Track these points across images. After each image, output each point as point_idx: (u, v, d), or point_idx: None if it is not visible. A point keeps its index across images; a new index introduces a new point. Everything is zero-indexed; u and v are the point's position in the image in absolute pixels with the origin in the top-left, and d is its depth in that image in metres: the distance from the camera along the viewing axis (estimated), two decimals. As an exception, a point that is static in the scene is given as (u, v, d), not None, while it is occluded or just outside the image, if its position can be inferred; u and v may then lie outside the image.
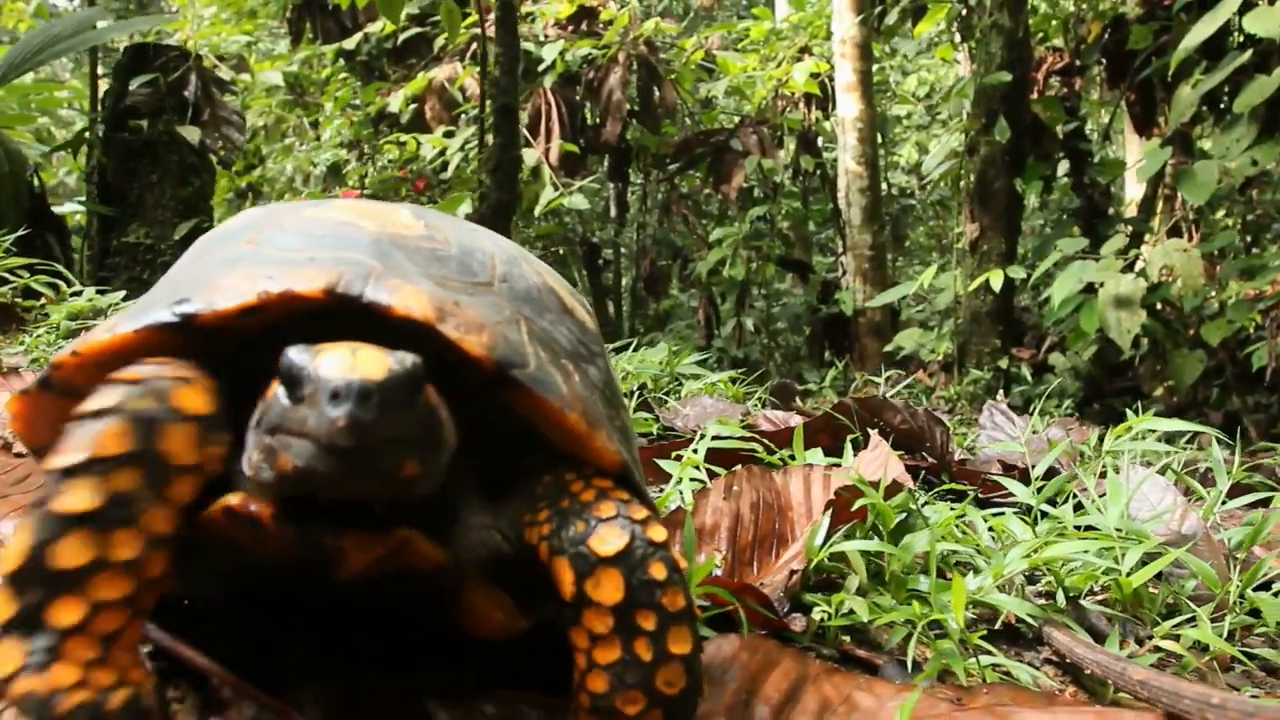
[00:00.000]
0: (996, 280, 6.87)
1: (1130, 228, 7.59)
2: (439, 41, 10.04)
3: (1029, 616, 1.44)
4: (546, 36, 9.83)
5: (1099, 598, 1.71)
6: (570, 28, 10.01)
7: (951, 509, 1.80)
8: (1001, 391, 7.19)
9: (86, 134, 4.19)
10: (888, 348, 8.02)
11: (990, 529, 1.70)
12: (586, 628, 0.91)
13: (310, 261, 1.02)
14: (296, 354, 0.85)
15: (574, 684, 0.94)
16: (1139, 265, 6.75)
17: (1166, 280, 6.62)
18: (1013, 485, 1.94)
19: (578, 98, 9.83)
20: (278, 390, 0.85)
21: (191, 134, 4.11)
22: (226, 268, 1.05)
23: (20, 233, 3.26)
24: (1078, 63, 7.99)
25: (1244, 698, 0.90)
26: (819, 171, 10.41)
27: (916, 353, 8.00)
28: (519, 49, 6.06)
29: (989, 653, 1.36)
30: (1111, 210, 8.22)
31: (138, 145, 4.05)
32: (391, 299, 0.98)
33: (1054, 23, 8.34)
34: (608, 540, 0.92)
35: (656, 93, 9.88)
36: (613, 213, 12.37)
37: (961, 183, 7.35)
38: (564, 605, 0.93)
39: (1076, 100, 8.09)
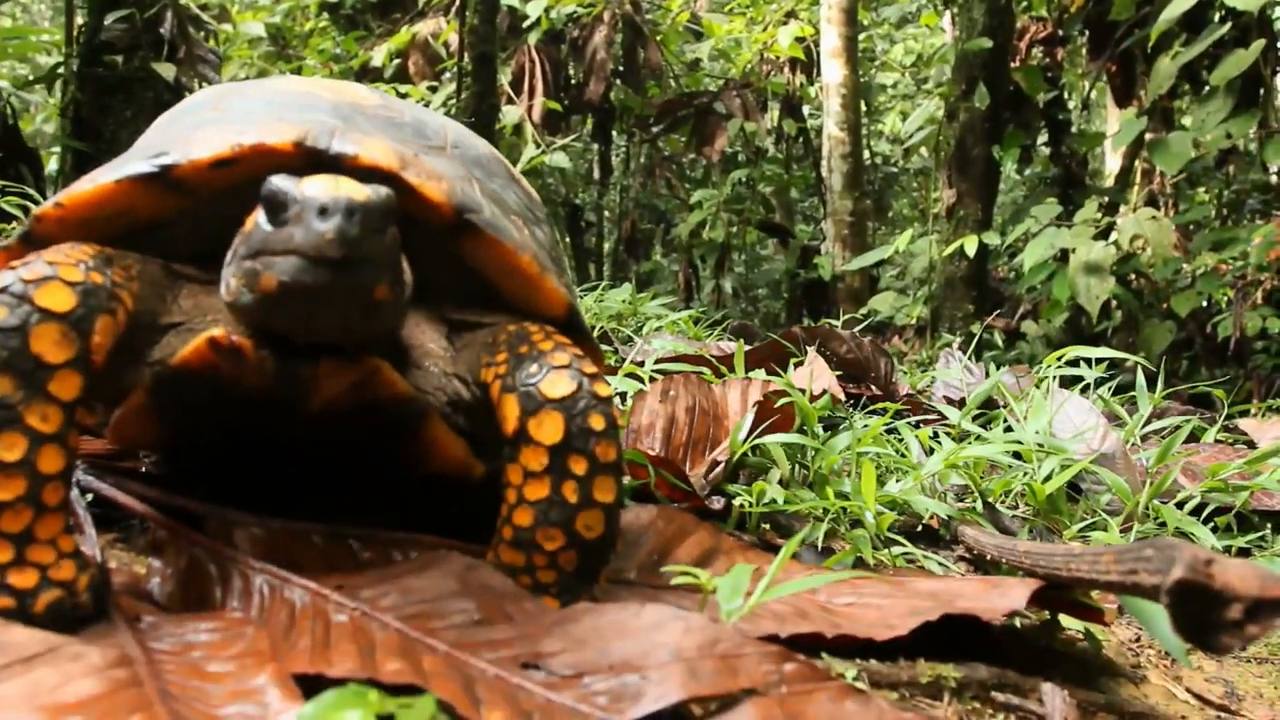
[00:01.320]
0: (971, 246, 6.94)
1: (1106, 198, 7.68)
2: (427, -6, 9.99)
3: (943, 515, 1.51)
4: (533, -8, 9.78)
5: (1020, 511, 1.79)
6: (557, -15, 9.97)
7: (885, 425, 1.87)
8: (975, 356, 7.29)
9: (60, 70, 4.20)
10: (861, 310, 8.08)
11: (918, 441, 1.77)
12: (522, 464, 0.99)
13: (278, 120, 1.10)
14: (280, 181, 0.92)
15: (500, 519, 1.01)
16: (1113, 234, 6.83)
17: (1139, 250, 6.71)
18: (947, 409, 2.02)
19: (562, 56, 9.80)
20: (258, 218, 0.92)
21: (167, 71, 4.12)
22: (198, 128, 1.12)
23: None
24: (1060, 33, 8.02)
25: (1098, 547, 0.97)
26: (802, 137, 10.43)
27: (893, 318, 8.08)
28: (498, -3, 6.07)
29: (902, 544, 1.44)
30: (1089, 181, 8.29)
31: (113, 81, 4.06)
32: (358, 149, 1.06)
33: (1038, -9, 8.36)
34: (557, 384, 0.98)
35: (641, 53, 9.86)
36: (596, 174, 12.38)
37: (940, 149, 7.40)
38: (505, 442, 1.00)
39: (1058, 70, 8.12)
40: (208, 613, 0.91)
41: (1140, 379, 2.13)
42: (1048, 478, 1.62)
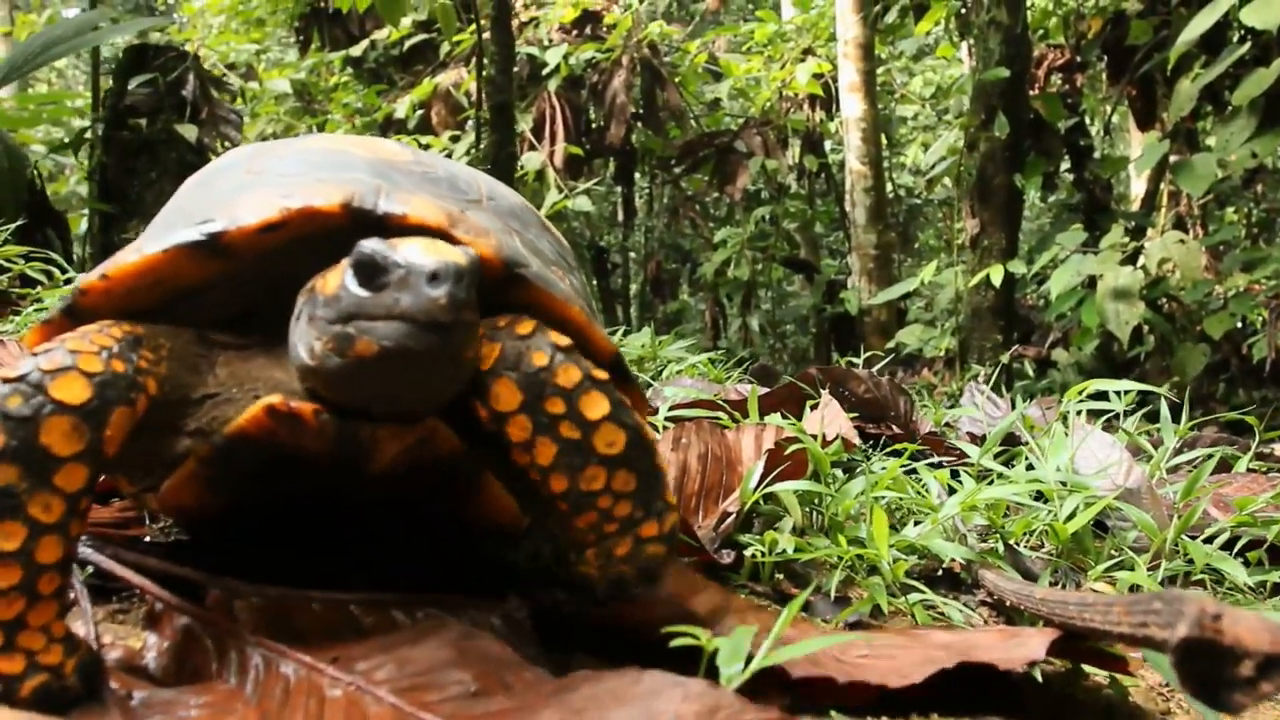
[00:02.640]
0: (997, 275, 6.88)
1: (1132, 222, 7.61)
2: (445, 47, 10.13)
3: (963, 560, 1.48)
4: (551, 41, 9.90)
5: (1044, 551, 1.75)
6: (574, 32, 10.09)
7: (904, 466, 1.84)
8: (1004, 387, 7.21)
9: (87, 133, 4.29)
10: (889, 344, 8.03)
11: (937, 482, 1.74)
12: (514, 442, 0.99)
13: (319, 181, 1.09)
14: (376, 245, 0.92)
15: (546, 505, 1.02)
16: (1141, 259, 6.76)
17: (1168, 273, 6.63)
18: (968, 447, 1.98)
19: (582, 101, 9.89)
20: (346, 282, 0.92)
21: (189, 132, 4.20)
22: (239, 192, 1.11)
23: (19, 225, 3.34)
24: (1078, 59, 8.00)
25: (1111, 597, 0.94)
26: (824, 172, 10.44)
27: (921, 351, 8.02)
28: (514, 48, 6.14)
29: (921, 591, 1.41)
30: (1114, 206, 8.23)
31: (137, 144, 4.15)
32: (405, 209, 1.05)
33: (1054, 19, 8.36)
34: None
35: (660, 95, 9.94)
36: (620, 216, 12.45)
37: (961, 180, 7.37)
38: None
39: (1078, 96, 8.10)
40: (201, 687, 0.90)
41: (1164, 409, 2.09)
42: (1071, 516, 1.58)
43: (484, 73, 5.43)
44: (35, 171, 3.63)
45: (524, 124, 9.66)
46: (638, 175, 11.26)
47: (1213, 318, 6.79)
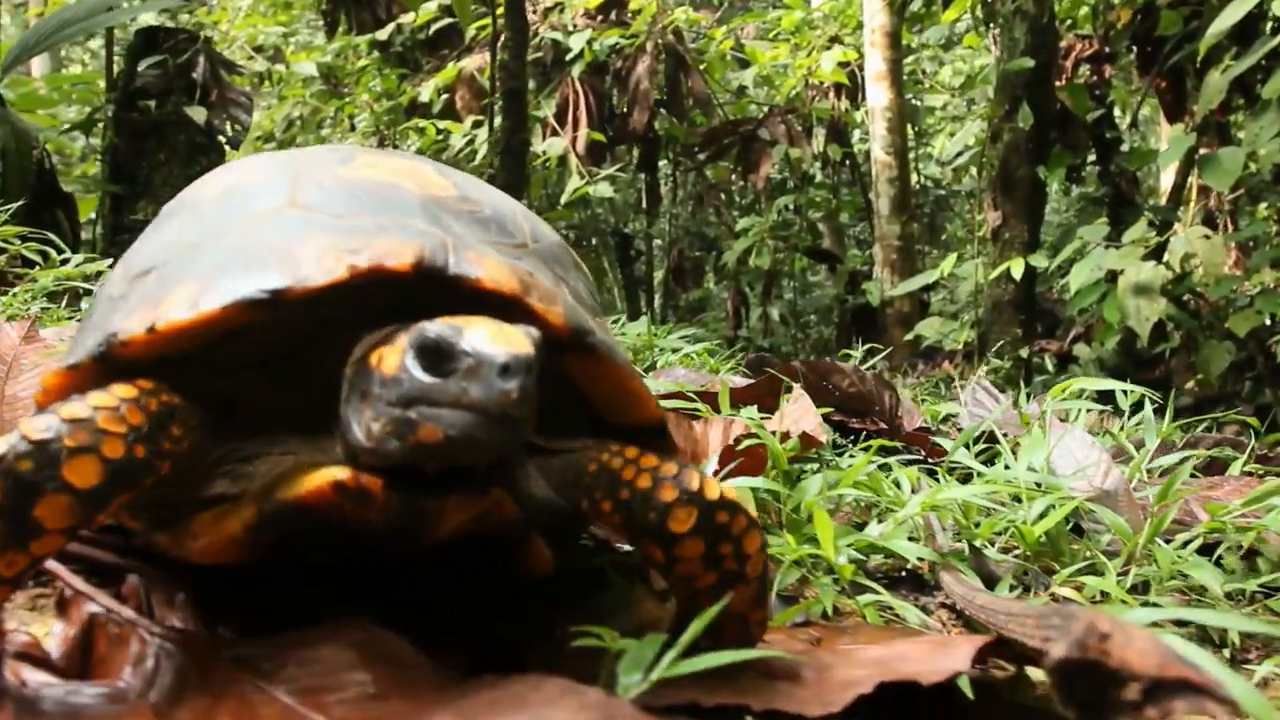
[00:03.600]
0: (1017, 269, 6.80)
1: (1158, 216, 7.48)
2: (470, 31, 10.12)
3: (918, 559, 1.45)
4: (575, 26, 9.87)
5: (1020, 552, 1.72)
6: (599, 17, 10.05)
7: (877, 464, 1.81)
8: (1023, 382, 7.12)
9: (98, 115, 4.32)
10: (907, 337, 7.97)
11: (908, 480, 1.70)
12: (680, 574, 1.03)
13: (380, 230, 1.02)
14: (443, 331, 0.88)
15: (679, 604, 1.06)
16: (1166, 255, 6.65)
17: (1192, 269, 6.52)
18: (950, 444, 1.95)
19: (606, 87, 9.86)
20: (408, 364, 0.88)
21: (198, 114, 4.21)
22: (292, 236, 1.02)
23: (27, 206, 3.36)
24: (1107, 50, 7.87)
25: (1031, 607, 0.90)
26: (848, 162, 10.35)
27: (941, 343, 7.94)
28: (528, 33, 6.12)
29: (875, 592, 1.38)
30: (1144, 200, 8.10)
31: (147, 125, 4.16)
32: (480, 273, 1.00)
33: (1084, 9, 8.22)
34: (684, 521, 1.00)
35: (684, 82, 9.89)
36: (644, 204, 12.42)
37: (984, 171, 7.28)
38: (657, 564, 1.05)
39: (1106, 88, 7.97)
40: (97, 679, 0.89)
41: (1148, 409, 2.04)
42: (1043, 516, 1.55)
43: (499, 58, 5.42)
44: (45, 152, 3.66)
45: (547, 110, 9.65)
46: (662, 163, 11.22)
47: (1238, 315, 6.67)
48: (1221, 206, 8.23)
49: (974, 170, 8.03)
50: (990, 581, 1.46)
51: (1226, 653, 1.49)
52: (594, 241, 12.31)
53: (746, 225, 9.91)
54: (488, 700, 0.86)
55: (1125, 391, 2.67)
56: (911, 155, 11.76)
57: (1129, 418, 2.75)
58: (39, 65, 12.34)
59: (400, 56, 11.21)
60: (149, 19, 4.79)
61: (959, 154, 7.89)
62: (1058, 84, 7.46)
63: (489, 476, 0.99)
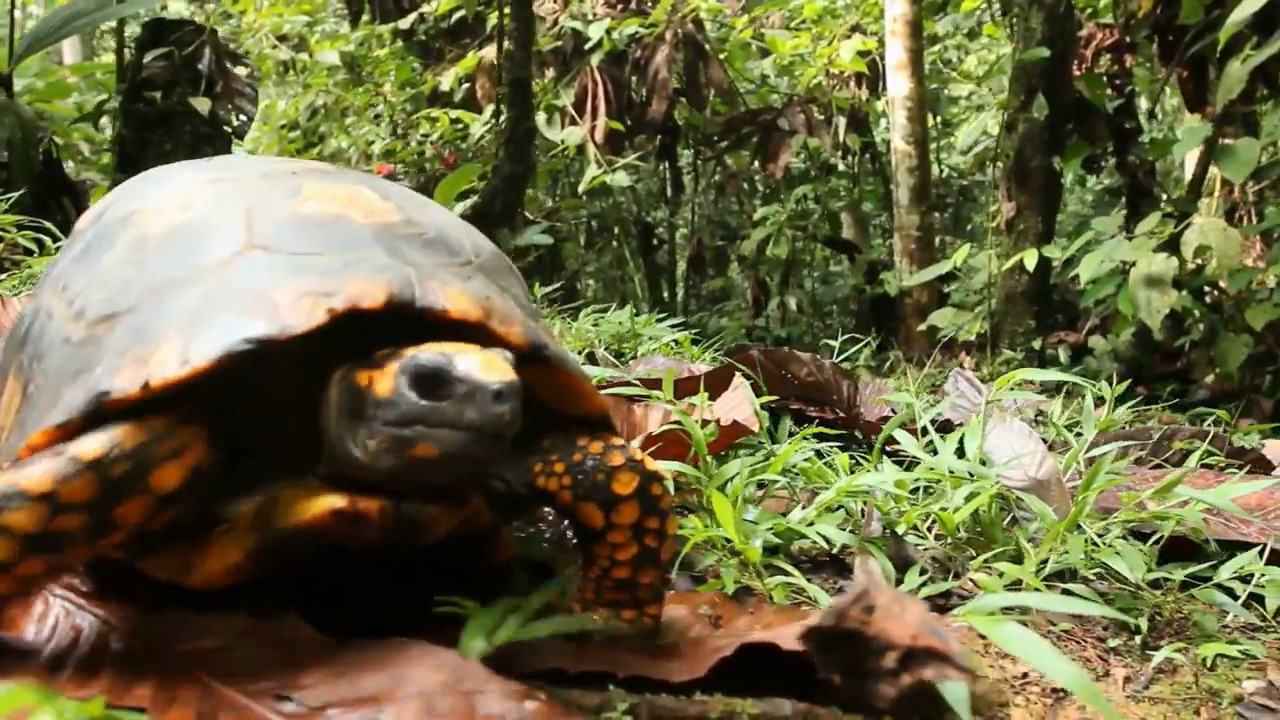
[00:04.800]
0: (1030, 259, 6.77)
1: (1177, 208, 7.40)
2: (492, 20, 10.18)
3: (854, 545, 1.49)
4: (595, 15, 9.90)
5: (957, 539, 1.75)
6: (619, 6, 10.07)
7: (822, 454, 1.85)
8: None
9: (106, 106, 4.42)
10: (920, 327, 7.96)
11: (841, 467, 1.74)
12: (610, 541, 1.15)
13: (347, 268, 1.08)
14: (435, 359, 0.98)
15: (596, 571, 1.17)
16: (1181, 246, 6.59)
17: (1206, 261, 6.46)
18: (900, 433, 1.98)
19: (625, 76, 9.88)
20: (402, 388, 0.98)
21: (202, 105, 4.31)
22: (263, 280, 1.06)
23: (34, 195, 3.46)
24: (1128, 39, 7.79)
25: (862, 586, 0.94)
26: (868, 151, 10.32)
27: (956, 335, 7.92)
28: (533, 24, 6.17)
29: (786, 574, 1.42)
30: (1168, 191, 8.02)
31: (153, 116, 4.26)
32: (446, 304, 1.09)
33: (1104, -2, 8.15)
34: (628, 484, 1.13)
35: (703, 71, 9.89)
36: (668, 193, 12.43)
37: (999, 161, 7.25)
38: (584, 530, 1.16)
39: (1127, 78, 7.89)
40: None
41: (1088, 400, 2.06)
42: (977, 501, 1.58)
43: (504, 48, 5.47)
44: (52, 142, 3.77)
45: (566, 99, 9.69)
46: (683, 151, 11.23)
47: (1255, 308, 6.61)
48: (1245, 198, 8.13)
49: (988, 161, 7.98)
50: (906, 566, 1.50)
51: (1138, 639, 1.52)
52: (615, 230, 12.35)
53: (765, 214, 9.90)
54: (353, 659, 0.92)
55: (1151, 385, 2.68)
56: (934, 145, 11.70)
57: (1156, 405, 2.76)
58: (70, 54, 12.54)
59: (423, 45, 11.29)
60: (157, 11, 4.89)
61: (974, 144, 7.83)
62: (1076, 73, 7.40)
63: (465, 483, 1.10)
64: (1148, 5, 7.65)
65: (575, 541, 1.28)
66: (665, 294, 12.87)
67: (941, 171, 12.45)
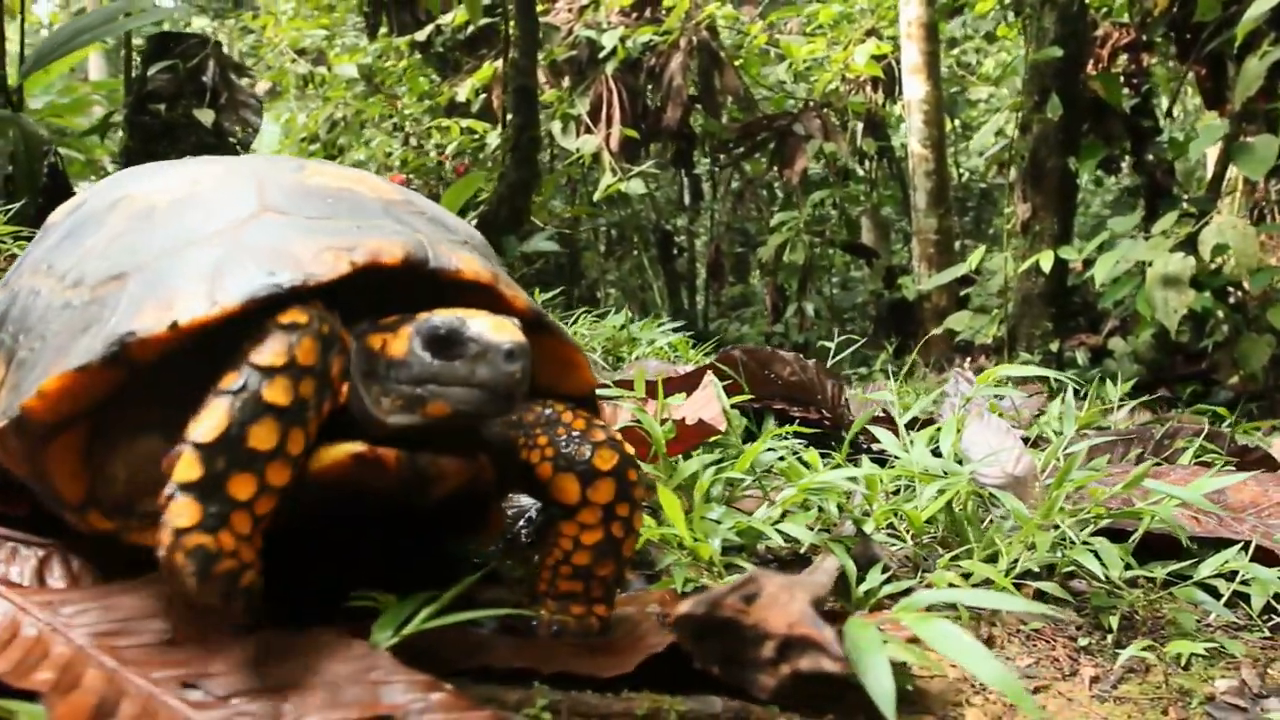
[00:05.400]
0: (1046, 261, 6.69)
1: (1195, 207, 7.30)
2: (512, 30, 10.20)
3: (792, 541, 1.47)
4: (609, 24, 9.91)
5: (932, 535, 1.72)
6: (634, 14, 10.08)
7: (796, 454, 1.83)
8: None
9: (113, 118, 4.47)
10: (935, 330, 7.89)
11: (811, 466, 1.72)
12: (579, 521, 1.15)
13: (361, 230, 1.12)
14: (448, 320, 1.02)
15: (553, 560, 1.16)
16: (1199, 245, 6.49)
17: (1226, 261, 6.36)
18: (880, 432, 1.96)
19: (640, 84, 9.89)
20: (416, 349, 1.02)
21: (206, 116, 4.35)
22: (283, 236, 1.09)
23: (37, 206, 3.49)
24: (1144, 37, 7.71)
25: (745, 575, 0.91)
26: (885, 156, 10.27)
27: (972, 338, 7.84)
28: (538, 31, 6.18)
29: (742, 571, 1.40)
30: (1181, 189, 7.92)
31: (158, 128, 4.31)
32: (459, 265, 1.14)
33: (1120, -3, 8.07)
34: (608, 460, 1.15)
35: (718, 78, 9.88)
36: (687, 200, 12.42)
37: (1013, 163, 7.19)
38: (557, 505, 1.17)
39: (1144, 77, 7.80)
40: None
41: (1070, 399, 2.03)
42: (945, 498, 1.56)
43: (509, 56, 5.49)
44: (57, 155, 3.81)
45: (581, 107, 9.71)
46: (700, 158, 11.22)
47: (1277, 308, 6.50)
48: (1267, 196, 8.01)
49: (1002, 163, 7.92)
50: (871, 564, 1.47)
51: (1110, 638, 1.49)
52: (634, 239, 12.35)
53: (780, 220, 9.87)
54: (265, 648, 0.91)
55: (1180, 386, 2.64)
56: (953, 149, 11.63)
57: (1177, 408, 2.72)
58: (96, 70, 12.71)
59: (441, 57, 11.35)
60: (164, 24, 4.95)
61: (989, 146, 7.77)
62: (1091, 73, 7.33)
63: (471, 443, 1.13)
64: (1164, 3, 7.57)
65: (529, 540, 1.27)
66: (685, 301, 12.85)
67: (961, 175, 12.38)
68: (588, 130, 9.54)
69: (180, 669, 0.89)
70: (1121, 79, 7.66)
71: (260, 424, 0.92)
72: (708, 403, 1.75)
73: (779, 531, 1.48)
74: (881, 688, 0.84)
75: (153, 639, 0.93)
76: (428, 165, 8.88)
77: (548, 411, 1.19)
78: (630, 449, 1.18)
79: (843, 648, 0.75)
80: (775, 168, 10.08)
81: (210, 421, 0.91)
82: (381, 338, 1.05)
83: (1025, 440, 2.06)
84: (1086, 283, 8.51)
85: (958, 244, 10.91)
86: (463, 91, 10.23)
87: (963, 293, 8.48)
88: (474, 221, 5.28)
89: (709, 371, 1.93)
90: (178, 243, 1.11)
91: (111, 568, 1.12)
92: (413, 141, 9.25)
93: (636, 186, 8.98)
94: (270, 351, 0.95)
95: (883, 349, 9.89)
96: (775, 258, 10.06)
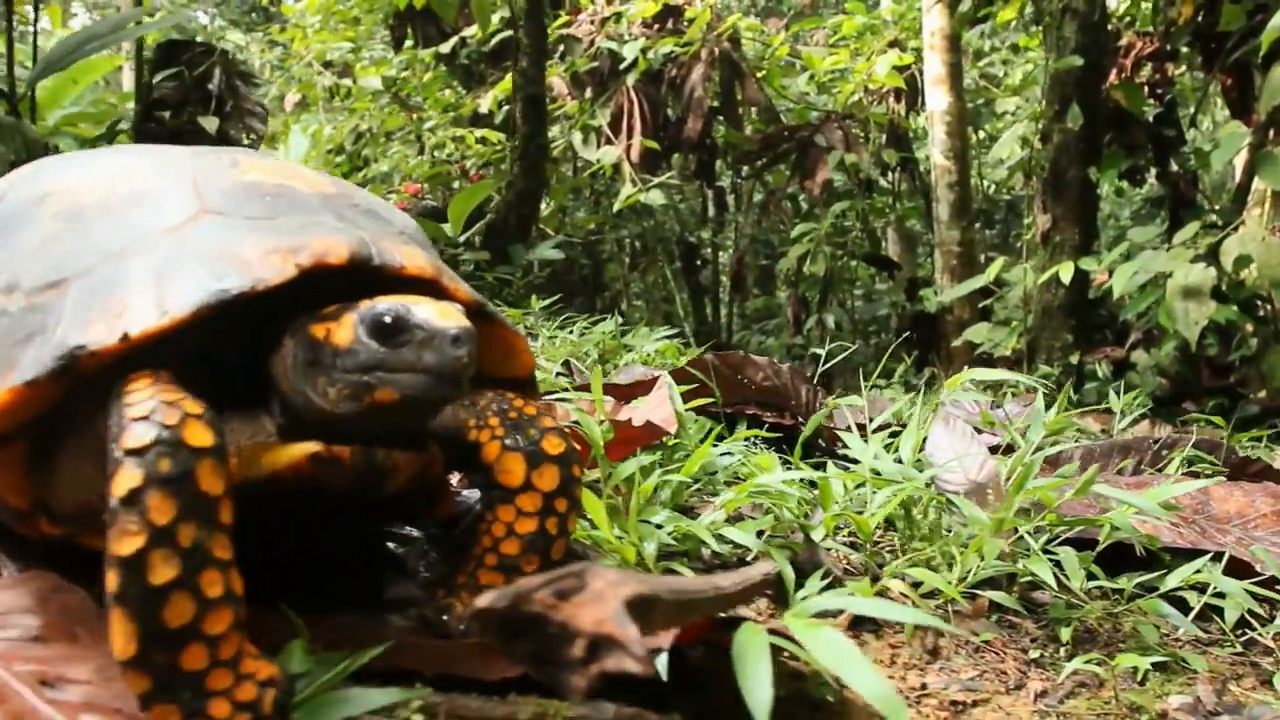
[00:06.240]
0: (1066, 273, 6.59)
1: (1222, 218, 7.17)
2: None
3: (735, 546, 1.43)
4: (631, 35, 9.91)
5: (888, 542, 1.68)
6: (656, 26, 10.08)
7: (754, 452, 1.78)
8: (1073, 389, 6.89)
9: (120, 126, 4.51)
10: (955, 343, 7.80)
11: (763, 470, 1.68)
12: (518, 505, 1.16)
13: (303, 229, 1.12)
14: (393, 308, 1.02)
15: (480, 548, 1.17)
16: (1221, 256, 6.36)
17: (1249, 273, 6.24)
18: (848, 436, 1.91)
19: (661, 95, 9.88)
20: (361, 336, 1.02)
21: (210, 124, 4.37)
22: (227, 238, 1.08)
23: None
24: (1168, 47, 7.59)
25: (570, 567, 0.87)
26: (906, 167, 10.19)
27: (992, 350, 7.73)
28: (546, 40, 6.19)
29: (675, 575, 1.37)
30: (1204, 200, 7.78)
31: (164, 135, 4.34)
32: (403, 261, 1.15)
33: (1144, 6, 7.96)
34: (555, 445, 1.17)
35: (739, 89, 9.85)
36: (710, 212, 12.39)
37: (1033, 173, 7.09)
38: (500, 488, 1.17)
39: (1168, 86, 7.69)
40: None
41: (1039, 403, 1.97)
42: (894, 503, 1.51)
43: (518, 64, 5.48)
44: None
45: (601, 119, 9.71)
46: (722, 169, 11.18)
47: (1304, 320, 6.38)
48: (1296, 208, 7.85)
49: (1021, 173, 7.82)
50: (814, 570, 1.43)
51: (1064, 651, 1.44)
52: (658, 251, 12.33)
53: (801, 231, 9.81)
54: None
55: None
56: (978, 161, 11.53)
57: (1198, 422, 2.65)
58: (129, 81, 12.89)
59: (466, 69, 11.40)
60: (171, 33, 4.99)
61: (1009, 156, 7.68)
62: (1113, 82, 7.23)
63: (420, 431, 1.14)
64: (1188, 12, 7.45)
65: (461, 530, 1.27)
66: (710, 313, 12.80)
67: (986, 187, 12.27)
68: (608, 141, 9.54)
69: (41, 665, 0.87)
70: (1145, 89, 7.55)
71: (167, 606, 0.84)
72: (659, 405, 1.72)
73: (719, 537, 1.44)
74: (756, 697, 0.81)
75: (19, 634, 0.91)
76: (445, 175, 8.90)
77: (500, 396, 1.21)
78: (569, 442, 1.18)
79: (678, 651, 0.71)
80: (797, 179, 10.02)
81: (121, 633, 0.83)
82: (325, 327, 1.04)
83: (995, 449, 2.01)
84: (1109, 294, 8.39)
85: (982, 257, 10.79)
86: (485, 103, 10.26)
87: (980, 304, 8.36)
88: (482, 229, 5.28)
89: (664, 374, 1.90)
90: (117, 246, 1.09)
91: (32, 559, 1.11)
92: (427, 153, 9.28)
93: (656, 197, 8.96)
94: (122, 537, 0.84)
95: (902, 361, 9.83)
96: (796, 269, 10.00)
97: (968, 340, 7.60)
